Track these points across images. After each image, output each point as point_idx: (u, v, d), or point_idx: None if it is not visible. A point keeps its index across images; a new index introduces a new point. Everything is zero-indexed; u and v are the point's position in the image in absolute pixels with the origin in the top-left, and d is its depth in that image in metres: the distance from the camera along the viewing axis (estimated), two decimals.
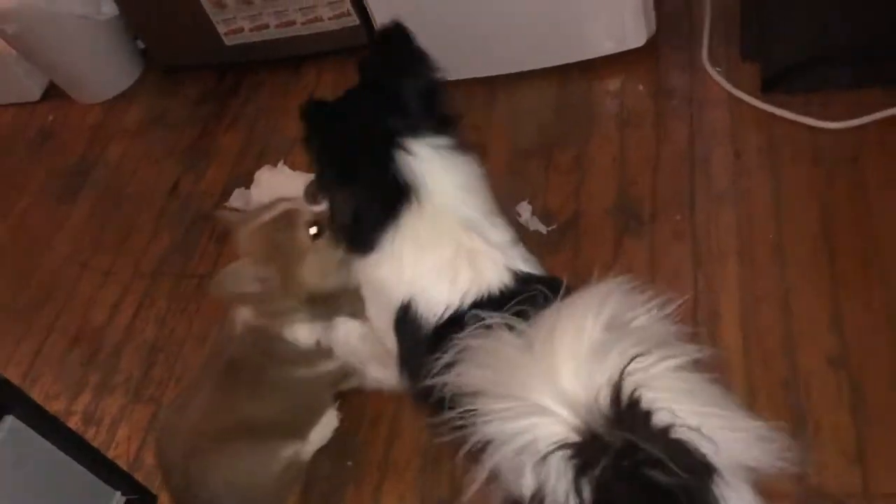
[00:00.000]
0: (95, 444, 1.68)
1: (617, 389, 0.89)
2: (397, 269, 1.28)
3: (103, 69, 2.69)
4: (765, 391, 1.49)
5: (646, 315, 1.00)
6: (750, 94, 1.93)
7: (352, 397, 1.70)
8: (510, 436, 0.93)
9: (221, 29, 2.44)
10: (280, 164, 2.14)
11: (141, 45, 2.74)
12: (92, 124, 2.69)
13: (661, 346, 0.95)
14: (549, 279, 1.24)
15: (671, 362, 0.94)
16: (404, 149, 1.26)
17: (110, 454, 1.75)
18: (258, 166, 2.17)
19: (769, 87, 1.91)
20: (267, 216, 1.44)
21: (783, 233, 1.70)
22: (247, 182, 2.18)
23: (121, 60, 2.72)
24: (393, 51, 1.33)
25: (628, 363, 0.91)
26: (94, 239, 2.33)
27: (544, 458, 0.90)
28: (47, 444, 1.39)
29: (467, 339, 1.05)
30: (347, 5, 2.30)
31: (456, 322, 1.19)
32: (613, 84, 2.11)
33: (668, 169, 1.89)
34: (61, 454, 1.43)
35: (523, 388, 0.94)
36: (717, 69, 2.01)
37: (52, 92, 2.83)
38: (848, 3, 1.72)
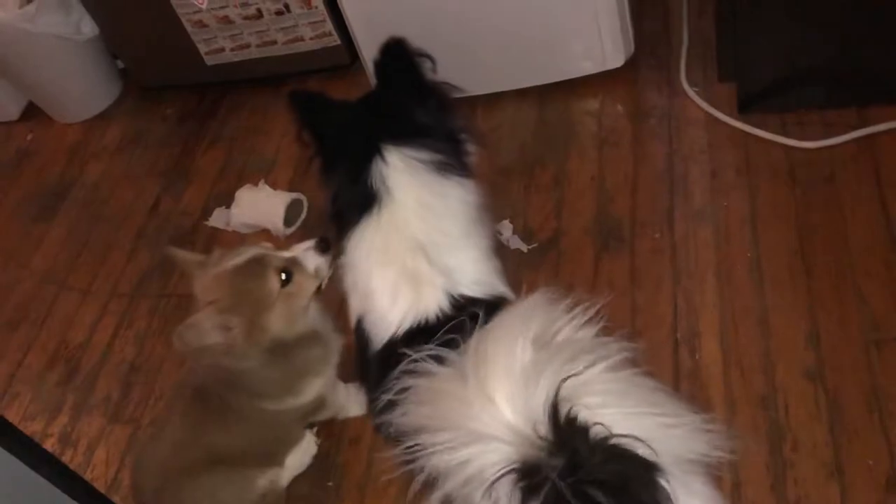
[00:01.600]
0: (72, 466, 1.66)
1: (554, 410, 0.91)
2: (354, 277, 1.31)
3: (82, 89, 2.68)
4: (744, 407, 1.51)
5: (570, 325, 1.02)
6: (727, 113, 1.96)
7: (332, 418, 1.69)
8: (456, 466, 0.95)
9: (202, 49, 2.44)
10: (261, 184, 2.14)
11: (120, 64, 2.74)
12: (71, 144, 2.67)
13: (589, 352, 0.97)
14: (493, 301, 1.25)
15: (600, 366, 0.96)
16: (381, 155, 1.27)
17: (87, 476, 1.72)
18: (238, 186, 2.17)
19: (746, 107, 1.94)
20: (233, 262, 1.39)
21: (760, 250, 1.72)
22: (227, 201, 2.17)
23: (100, 80, 2.71)
24: (396, 63, 1.35)
25: (561, 383, 0.92)
26: (72, 258, 2.31)
27: (492, 485, 0.91)
28: (23, 467, 1.37)
29: (402, 377, 1.06)
30: (329, 26, 2.31)
31: (394, 347, 1.21)
32: (592, 104, 2.13)
33: (646, 188, 1.91)
34: (37, 476, 1.41)
35: (462, 418, 0.95)
36: (695, 89, 2.04)
37: (31, 111, 2.81)
38: (822, 24, 1.76)
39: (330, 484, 1.64)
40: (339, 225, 1.34)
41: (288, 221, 2.06)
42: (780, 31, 1.79)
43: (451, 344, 1.08)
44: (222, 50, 2.44)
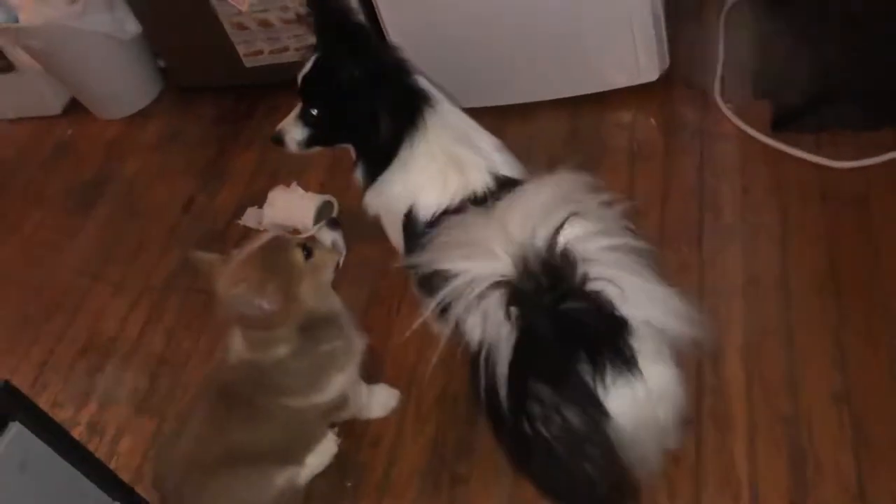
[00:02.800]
0: (98, 454, 1.68)
1: (553, 236, 1.03)
2: (404, 180, 1.47)
3: (123, 86, 2.74)
4: (766, 426, 1.49)
5: (594, 202, 1.15)
6: (760, 131, 1.95)
7: (353, 419, 1.71)
8: (462, 272, 1.07)
9: (241, 51, 2.48)
10: (293, 185, 2.17)
11: (161, 63, 2.79)
12: (110, 140, 2.73)
13: (601, 225, 1.10)
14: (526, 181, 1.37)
15: (606, 242, 1.08)
16: (412, 70, 1.49)
17: (112, 465, 1.75)
18: (271, 187, 2.20)
19: (780, 125, 1.93)
20: (255, 245, 1.45)
21: (789, 269, 1.70)
22: (259, 202, 2.20)
23: (141, 78, 2.77)
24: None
25: (567, 218, 1.05)
26: (107, 252, 2.35)
27: (485, 291, 1.04)
28: (51, 452, 1.40)
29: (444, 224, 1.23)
30: None
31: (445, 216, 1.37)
32: (625, 117, 2.13)
33: (676, 202, 1.90)
34: (64, 463, 1.44)
35: (478, 237, 1.09)
36: (729, 106, 2.03)
37: (73, 107, 2.88)
38: (857, 45, 1.75)
39: (349, 484, 1.65)
40: (378, 148, 1.49)
41: (318, 222, 2.08)
42: (816, 51, 1.78)
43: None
44: (261, 52, 2.47)
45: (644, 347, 1.04)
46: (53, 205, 2.60)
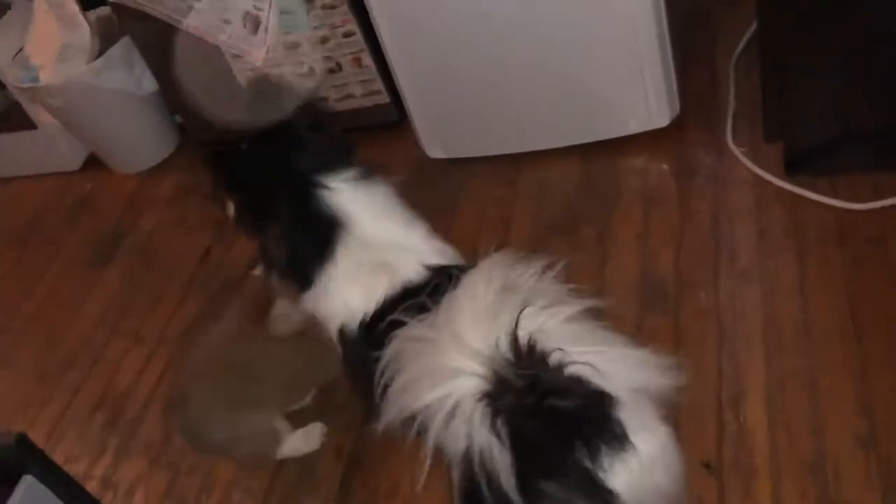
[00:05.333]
0: None
1: (514, 336, 1.01)
2: (331, 301, 1.38)
3: (141, 141, 2.79)
4: (790, 473, 1.46)
5: (531, 278, 1.12)
6: (774, 174, 1.94)
7: (368, 466, 1.69)
8: (439, 402, 1.04)
9: None
10: None
11: (178, 119, 2.84)
12: (128, 193, 2.77)
13: (550, 302, 1.08)
14: (460, 266, 1.35)
15: (561, 314, 1.07)
16: (323, 185, 1.37)
17: None
18: None
19: (793, 168, 1.92)
20: None
21: (809, 312, 1.68)
22: None
23: (158, 133, 2.81)
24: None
25: (521, 311, 1.03)
26: (124, 304, 2.37)
27: (467, 413, 1.02)
28: None
29: (389, 348, 1.15)
30: (379, 85, 2.37)
31: (378, 321, 1.30)
32: (637, 162, 2.14)
33: (691, 247, 1.89)
34: None
35: (438, 358, 1.06)
36: (742, 149, 2.04)
37: (92, 162, 2.92)
38: (870, 86, 1.74)
39: None
40: (294, 269, 1.41)
41: None
42: (829, 92, 1.78)
43: (434, 303, 1.17)
44: None
45: (629, 418, 1.04)
46: (73, 258, 2.62)
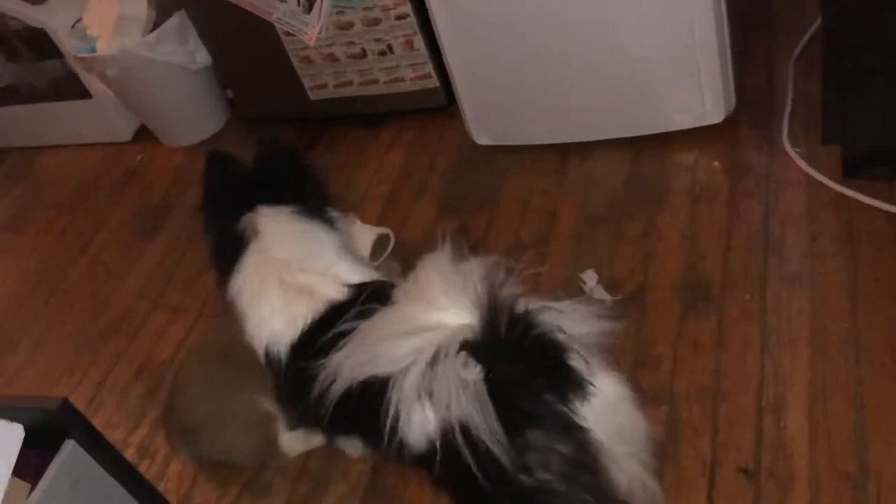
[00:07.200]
0: (148, 476, 1.70)
1: (484, 290, 1.09)
2: (245, 309, 1.50)
3: (192, 115, 2.82)
4: (829, 486, 1.42)
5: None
6: (830, 177, 1.89)
7: (385, 483, 1.68)
8: (417, 352, 1.10)
9: (307, 84, 2.53)
10: (350, 217, 2.18)
11: (229, 94, 2.86)
12: (176, 166, 2.80)
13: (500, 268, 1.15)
14: (382, 284, 1.44)
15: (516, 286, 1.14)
16: (251, 209, 1.55)
17: (161, 487, 1.76)
18: None
19: (851, 172, 1.87)
20: None
21: (859, 322, 1.63)
22: None
23: (209, 108, 2.84)
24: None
25: (487, 271, 1.11)
26: (167, 277, 2.40)
27: (454, 353, 1.07)
28: (103, 472, 1.41)
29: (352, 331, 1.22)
30: (429, 68, 2.36)
31: (307, 341, 1.38)
32: (688, 158, 2.10)
33: (739, 247, 1.85)
34: (115, 483, 1.45)
35: (414, 315, 1.13)
36: (797, 150, 1.98)
37: (143, 134, 2.96)
38: None
39: None
40: (221, 268, 1.58)
41: (374, 254, 2.09)
42: (889, 95, 1.72)
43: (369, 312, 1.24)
44: (326, 86, 2.52)
45: (584, 364, 1.12)
46: (120, 228, 2.67)
